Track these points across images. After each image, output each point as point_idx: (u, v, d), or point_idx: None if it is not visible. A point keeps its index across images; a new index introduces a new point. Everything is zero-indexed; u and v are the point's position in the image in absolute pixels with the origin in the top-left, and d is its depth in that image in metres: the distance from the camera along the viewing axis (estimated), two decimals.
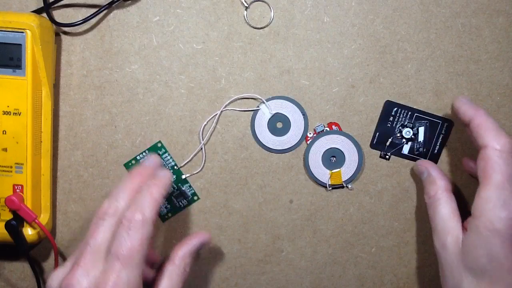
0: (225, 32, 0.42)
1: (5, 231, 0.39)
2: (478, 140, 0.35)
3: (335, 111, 0.42)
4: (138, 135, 0.42)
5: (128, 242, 0.32)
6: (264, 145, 0.42)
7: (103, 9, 0.41)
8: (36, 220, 0.39)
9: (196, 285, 0.44)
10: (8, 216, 0.39)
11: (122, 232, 0.32)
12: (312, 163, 0.42)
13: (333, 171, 0.42)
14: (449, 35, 0.42)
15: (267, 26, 0.42)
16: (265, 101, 0.41)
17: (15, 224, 0.39)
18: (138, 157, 0.42)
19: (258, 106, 0.42)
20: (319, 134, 0.42)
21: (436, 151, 0.42)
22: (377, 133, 0.42)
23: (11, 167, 0.39)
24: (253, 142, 0.42)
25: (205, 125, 0.42)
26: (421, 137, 0.42)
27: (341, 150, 0.42)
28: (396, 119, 0.42)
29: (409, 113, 0.41)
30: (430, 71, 0.42)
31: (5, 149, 0.39)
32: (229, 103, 0.42)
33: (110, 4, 0.41)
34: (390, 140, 0.42)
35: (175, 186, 0.43)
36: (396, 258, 0.43)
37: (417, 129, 0.42)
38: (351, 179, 0.42)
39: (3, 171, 0.39)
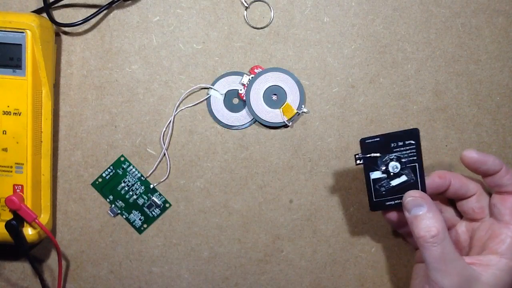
0: (225, 32, 0.42)
1: (5, 231, 0.39)
2: None
3: (335, 111, 0.42)
4: (138, 135, 0.42)
5: None
6: (227, 124, 0.42)
7: (103, 9, 0.41)
8: (36, 220, 0.39)
9: (196, 285, 0.44)
10: (8, 216, 0.39)
11: None
12: (260, 112, 0.42)
13: (281, 106, 0.41)
14: (449, 35, 0.42)
15: (267, 26, 0.42)
16: (211, 86, 0.41)
17: (15, 224, 0.39)
18: (104, 174, 0.43)
19: (208, 93, 0.42)
20: (249, 84, 0.41)
21: (387, 204, 0.38)
22: (378, 139, 0.37)
23: (11, 167, 0.39)
24: (217, 126, 0.42)
25: (164, 131, 0.42)
26: (394, 183, 0.37)
27: (277, 85, 0.41)
28: (402, 149, 0.37)
29: (414, 158, 0.37)
30: (430, 71, 0.42)
31: (5, 149, 0.39)
32: (179, 103, 0.42)
33: (110, 4, 0.41)
34: (378, 155, 0.37)
35: (145, 197, 0.43)
36: (396, 258, 0.43)
37: (401, 175, 0.37)
38: (301, 105, 0.42)
39: (3, 171, 0.39)
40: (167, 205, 0.43)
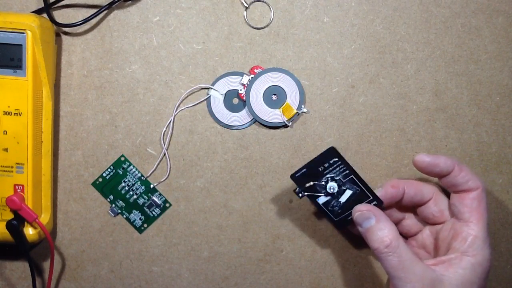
0: (225, 32, 0.42)
1: (6, 231, 0.39)
2: (469, 183, 0.36)
3: (335, 111, 0.42)
4: (138, 135, 0.43)
5: None
6: (227, 124, 0.42)
7: (103, 9, 0.41)
8: (37, 220, 0.39)
9: (196, 284, 0.44)
10: (9, 216, 0.40)
11: None
12: (260, 112, 0.42)
13: (281, 106, 0.42)
14: (449, 35, 0.42)
15: (267, 26, 0.42)
16: (211, 86, 0.41)
17: (16, 223, 0.39)
18: (104, 174, 0.43)
19: (208, 93, 0.42)
20: (249, 84, 0.41)
21: (349, 218, 0.38)
22: (304, 170, 0.38)
23: (12, 167, 0.39)
24: (217, 126, 0.42)
25: (164, 131, 0.42)
26: (343, 199, 0.38)
27: (277, 86, 0.41)
28: (330, 169, 0.37)
29: (347, 171, 0.37)
30: (430, 71, 0.42)
31: (6, 149, 0.39)
32: (180, 103, 0.42)
33: (110, 5, 0.41)
34: (312, 183, 0.38)
35: (145, 196, 0.43)
36: None
37: (344, 190, 0.38)
38: (300, 105, 0.42)
39: (4, 171, 0.39)
40: (167, 205, 0.43)
